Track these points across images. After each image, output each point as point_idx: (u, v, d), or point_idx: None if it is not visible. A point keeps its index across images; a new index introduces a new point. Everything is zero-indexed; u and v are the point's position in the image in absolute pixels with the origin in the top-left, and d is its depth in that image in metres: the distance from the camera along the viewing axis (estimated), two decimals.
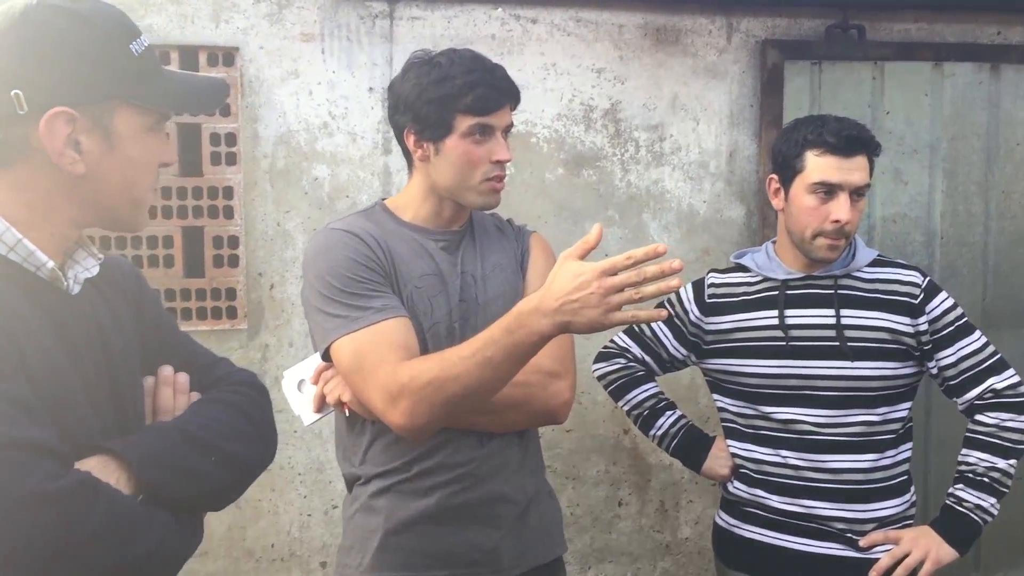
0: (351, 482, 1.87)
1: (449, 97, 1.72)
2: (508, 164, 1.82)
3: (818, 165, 1.98)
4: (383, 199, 1.90)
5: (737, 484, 2.15)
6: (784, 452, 2.06)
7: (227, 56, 2.83)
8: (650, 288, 1.40)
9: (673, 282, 1.39)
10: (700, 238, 3.09)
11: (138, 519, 1.10)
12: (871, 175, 2.02)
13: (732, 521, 2.16)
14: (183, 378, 1.35)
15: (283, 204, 2.89)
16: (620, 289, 1.40)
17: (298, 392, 1.84)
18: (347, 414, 1.79)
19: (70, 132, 1.13)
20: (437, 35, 2.90)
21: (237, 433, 1.30)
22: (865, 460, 2.01)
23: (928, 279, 2.06)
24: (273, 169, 2.87)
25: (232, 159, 2.86)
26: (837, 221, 1.97)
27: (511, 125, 1.81)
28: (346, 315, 1.67)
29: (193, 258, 2.88)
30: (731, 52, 3.07)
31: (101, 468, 1.12)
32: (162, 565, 1.16)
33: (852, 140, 1.98)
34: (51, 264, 1.16)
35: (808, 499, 2.04)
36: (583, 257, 1.46)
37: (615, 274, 1.40)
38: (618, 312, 1.42)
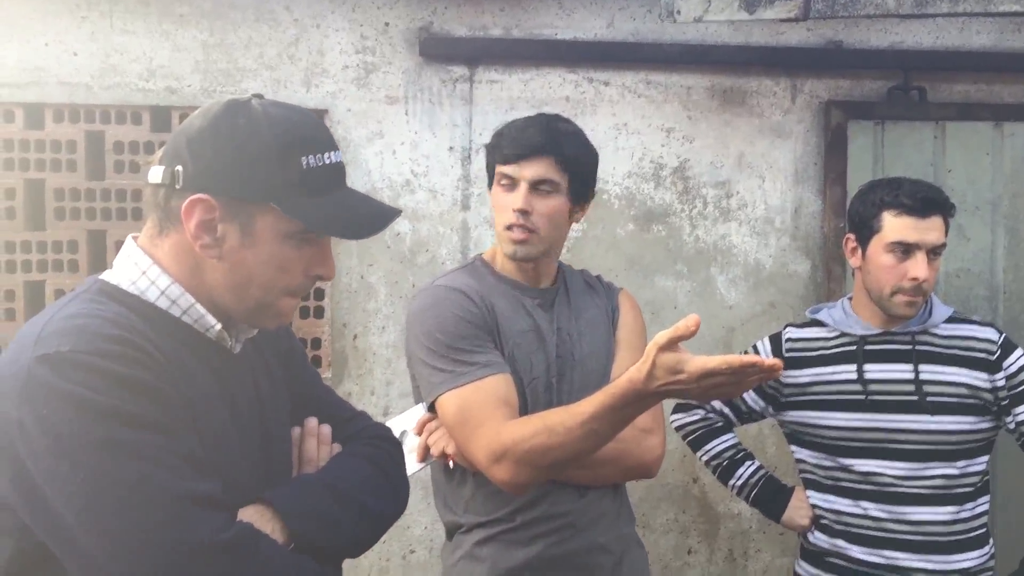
0: (452, 530, 1.94)
1: (490, 149, 1.91)
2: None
3: (895, 226, 2.07)
4: (480, 254, 2.00)
5: (817, 534, 2.20)
6: (865, 504, 2.12)
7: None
8: (749, 383, 1.49)
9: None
10: (766, 291, 3.17)
11: (291, 568, 1.19)
12: (946, 234, 2.10)
13: (813, 571, 2.22)
14: (327, 430, 1.44)
15: (366, 258, 3.02)
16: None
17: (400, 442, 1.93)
18: (451, 466, 1.86)
19: (210, 218, 1.20)
20: (514, 97, 3.04)
21: (375, 487, 1.38)
22: (946, 512, 2.07)
23: (1004, 336, 2.13)
24: None
25: None
26: (915, 279, 2.04)
27: (539, 179, 1.82)
28: (452, 370, 1.76)
29: None
30: (795, 112, 3.17)
31: (257, 518, 1.20)
32: None
33: (928, 201, 2.07)
34: (218, 326, 1.26)
35: (890, 550, 2.09)
36: (675, 344, 1.46)
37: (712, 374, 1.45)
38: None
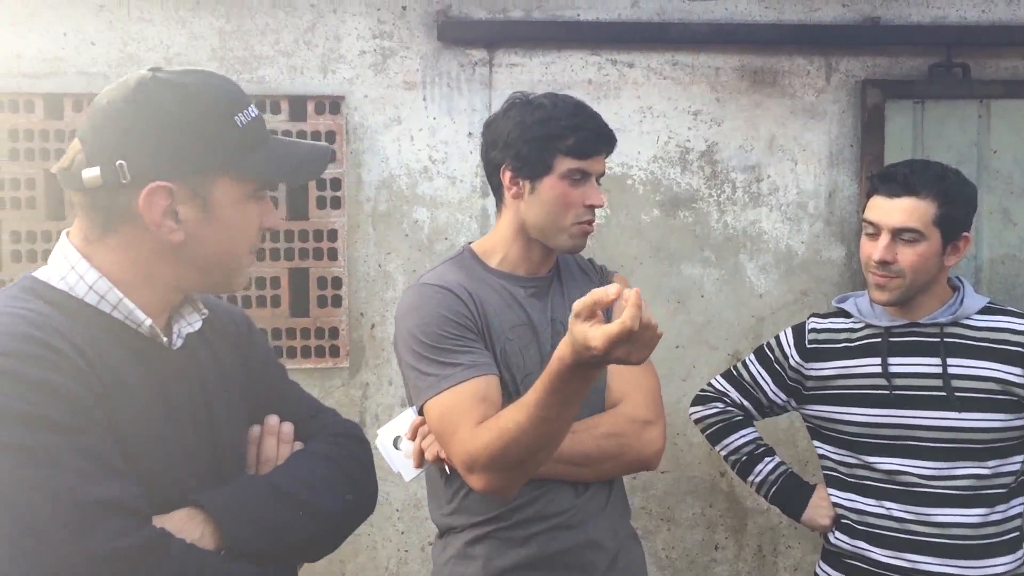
0: (444, 530, 1.89)
1: (551, 138, 1.75)
2: (606, 207, 1.87)
3: (871, 204, 2.00)
4: (470, 243, 1.92)
5: (839, 535, 2.10)
6: (888, 504, 2.01)
7: (333, 104, 2.95)
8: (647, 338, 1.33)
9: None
10: (798, 279, 3.05)
11: (212, 574, 1.13)
12: (938, 223, 1.93)
13: (833, 573, 2.12)
14: (288, 428, 1.38)
15: (384, 246, 2.98)
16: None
17: (395, 449, 1.84)
18: (448, 471, 1.79)
19: (168, 204, 1.17)
20: (535, 80, 2.97)
21: (330, 487, 1.32)
22: (974, 515, 1.96)
23: None
24: (375, 212, 2.97)
25: (337, 203, 2.97)
26: (879, 261, 1.95)
27: (603, 172, 1.84)
28: (436, 373, 1.68)
29: (299, 298, 2.99)
30: (830, 92, 3.04)
31: (186, 522, 1.15)
32: None
33: (891, 180, 1.95)
34: (149, 322, 1.21)
35: (914, 554, 1.98)
36: (592, 313, 1.34)
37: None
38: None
